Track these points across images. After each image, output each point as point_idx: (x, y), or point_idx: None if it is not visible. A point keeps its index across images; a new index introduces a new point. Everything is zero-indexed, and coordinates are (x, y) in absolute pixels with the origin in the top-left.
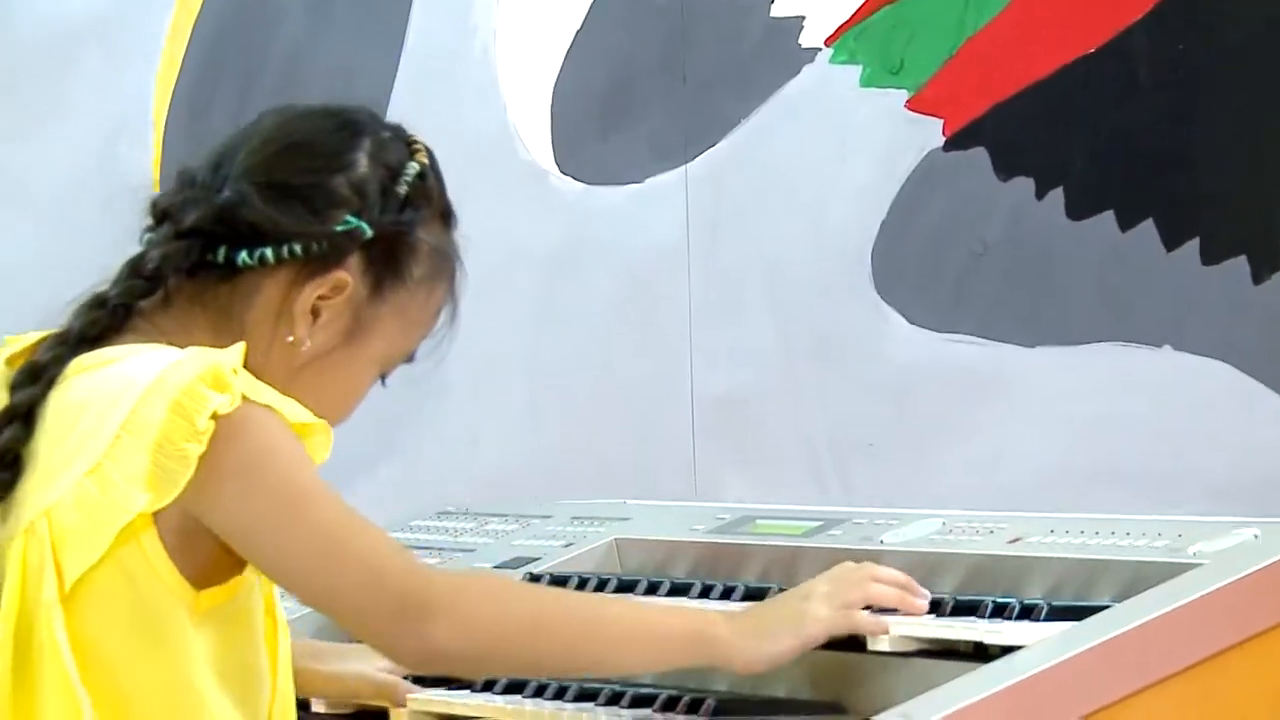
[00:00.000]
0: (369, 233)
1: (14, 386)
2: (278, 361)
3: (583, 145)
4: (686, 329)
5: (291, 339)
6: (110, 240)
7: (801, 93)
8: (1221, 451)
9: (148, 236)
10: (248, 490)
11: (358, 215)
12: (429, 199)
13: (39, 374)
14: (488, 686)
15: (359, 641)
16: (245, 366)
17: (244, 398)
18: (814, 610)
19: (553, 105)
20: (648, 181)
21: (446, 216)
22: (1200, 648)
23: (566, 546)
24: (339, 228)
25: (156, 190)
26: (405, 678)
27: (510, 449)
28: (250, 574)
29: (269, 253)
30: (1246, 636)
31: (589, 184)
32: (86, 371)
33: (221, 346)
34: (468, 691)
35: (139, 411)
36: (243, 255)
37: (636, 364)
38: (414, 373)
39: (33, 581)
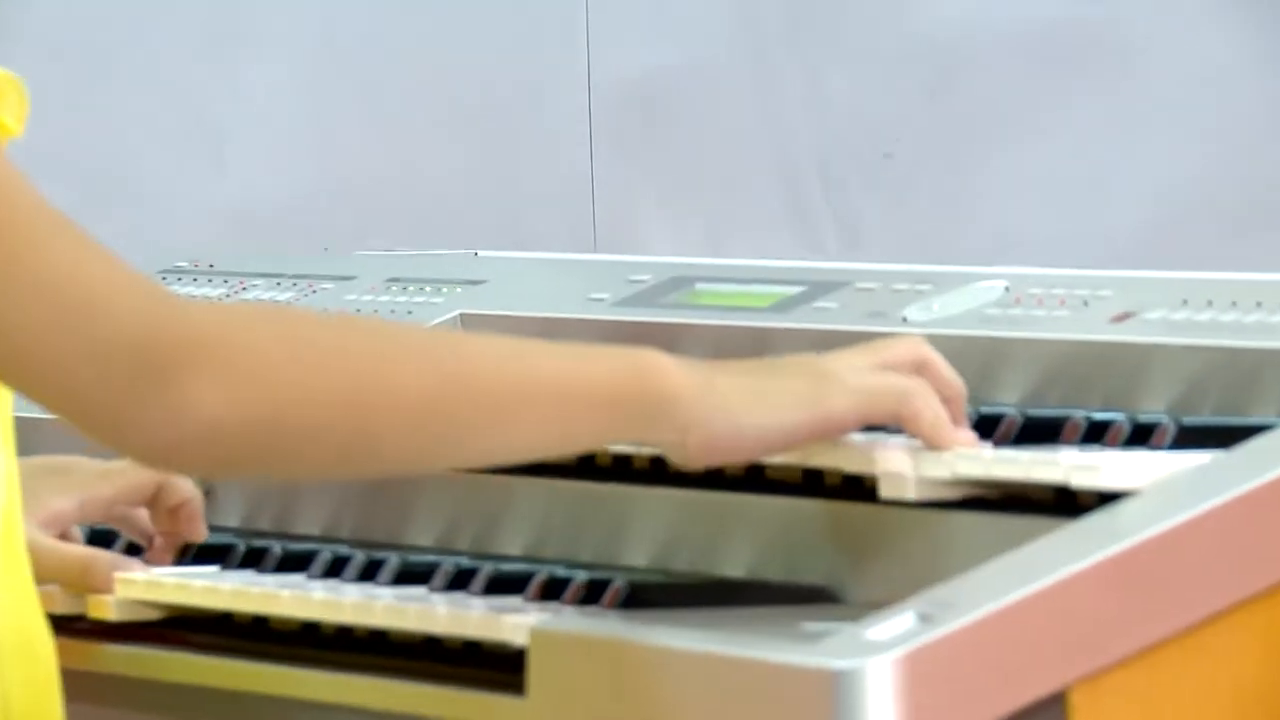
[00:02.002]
0: None
1: None
2: None
3: None
4: None
5: None
6: None
7: None
8: None
9: None
10: None
11: None
12: None
13: None
14: (252, 560)
15: (89, 436)
16: None
17: None
18: (841, 377)
19: None
20: None
21: None
22: None
23: None
24: None
25: None
26: (104, 540)
27: (283, 170)
28: None
29: None
30: None
31: None
32: None
33: None
34: (215, 568)
35: None
36: None
37: (495, 28)
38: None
39: None
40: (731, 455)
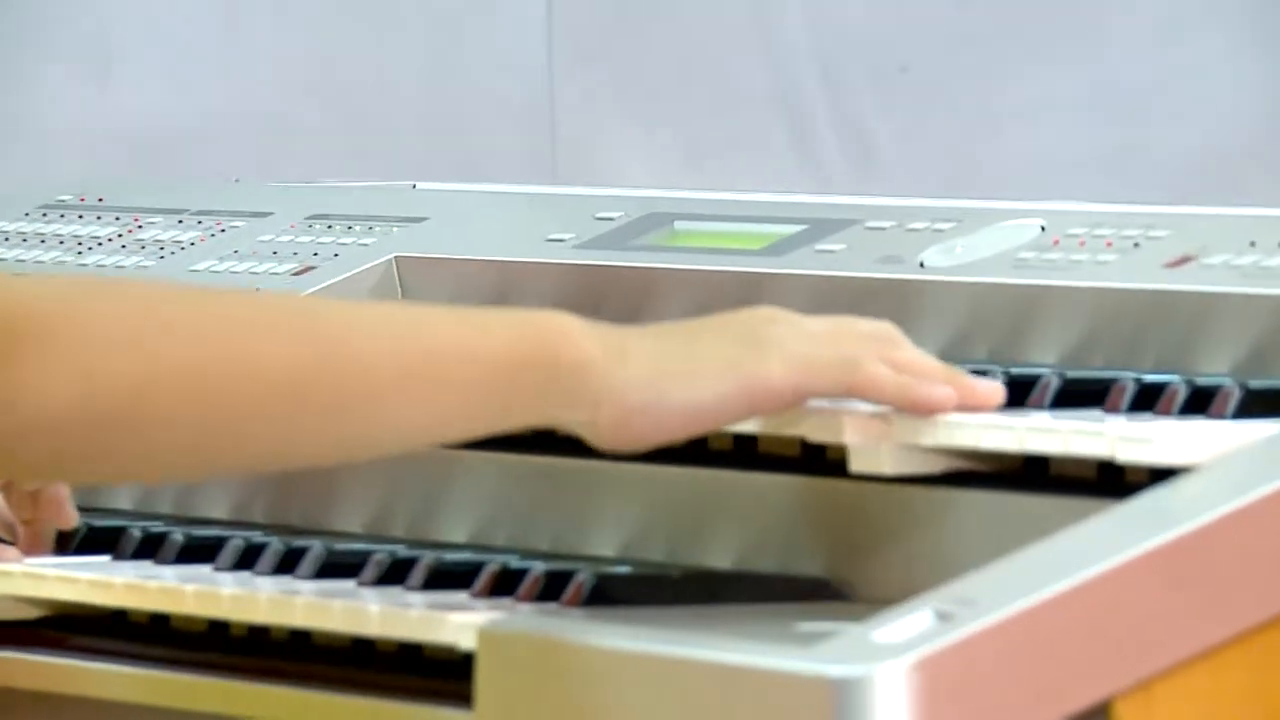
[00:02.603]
0: None
1: None
2: None
3: None
4: None
5: None
6: None
7: None
8: None
9: None
10: None
11: None
12: None
13: None
14: (150, 548)
15: None
16: None
17: None
18: (780, 343)
19: None
20: None
21: None
22: None
23: (300, 274)
24: None
25: None
26: None
27: (185, 86)
28: None
29: None
30: None
31: None
32: None
33: None
34: (106, 558)
35: None
36: None
37: None
38: None
39: None
40: (652, 434)
